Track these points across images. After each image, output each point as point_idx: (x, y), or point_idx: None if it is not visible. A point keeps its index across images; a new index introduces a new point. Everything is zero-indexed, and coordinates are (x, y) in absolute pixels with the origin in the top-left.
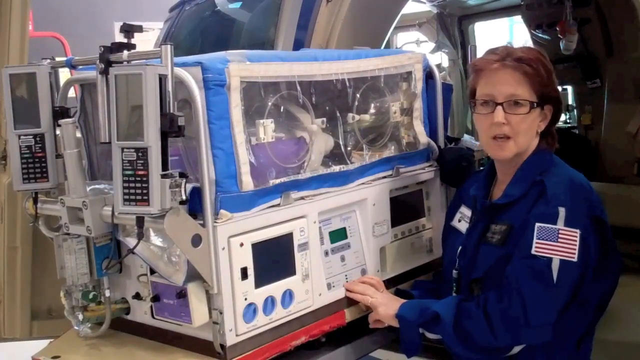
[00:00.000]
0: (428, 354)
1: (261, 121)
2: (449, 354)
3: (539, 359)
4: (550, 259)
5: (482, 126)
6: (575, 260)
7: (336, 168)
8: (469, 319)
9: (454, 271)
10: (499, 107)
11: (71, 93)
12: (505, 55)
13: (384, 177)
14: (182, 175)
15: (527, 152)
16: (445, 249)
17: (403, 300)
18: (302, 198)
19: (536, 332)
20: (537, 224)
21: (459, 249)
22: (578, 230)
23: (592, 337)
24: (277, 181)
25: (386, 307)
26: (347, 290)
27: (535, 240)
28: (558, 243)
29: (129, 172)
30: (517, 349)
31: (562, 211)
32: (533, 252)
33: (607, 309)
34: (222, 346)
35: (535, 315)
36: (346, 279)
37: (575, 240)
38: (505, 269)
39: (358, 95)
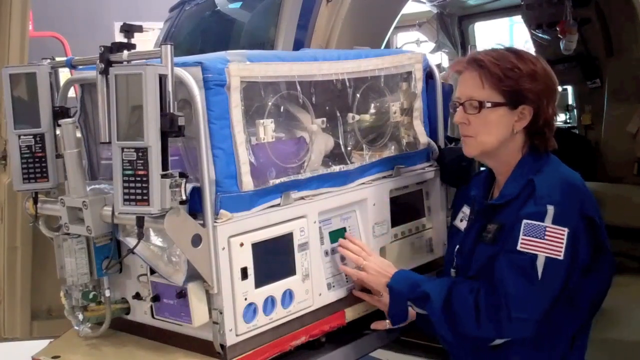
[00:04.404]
0: (428, 354)
1: (261, 121)
2: (448, 353)
3: (531, 357)
4: (535, 256)
5: None
6: (561, 258)
7: (336, 168)
8: (459, 302)
9: (452, 270)
10: (460, 108)
11: (71, 93)
12: (469, 58)
13: (384, 177)
14: (182, 175)
15: (509, 151)
16: (447, 248)
17: (395, 269)
18: (302, 198)
19: (517, 326)
20: (525, 221)
21: (457, 248)
22: (566, 229)
23: (586, 335)
24: (277, 181)
25: (378, 275)
26: (341, 247)
27: (521, 236)
28: (544, 240)
29: (129, 172)
30: (498, 341)
31: (550, 209)
32: (518, 247)
33: (606, 309)
34: (222, 346)
35: (517, 309)
36: (346, 279)
37: (562, 239)
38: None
39: (358, 95)
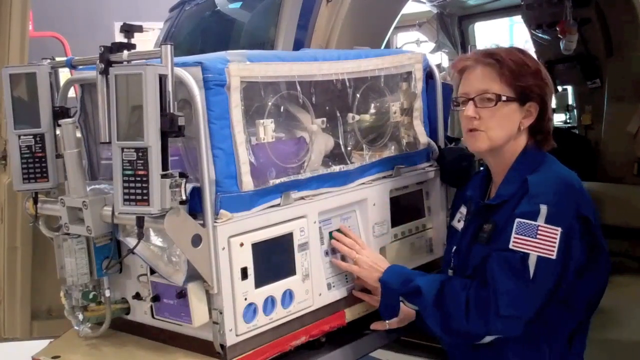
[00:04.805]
0: (428, 354)
1: (261, 121)
2: (446, 353)
3: (529, 357)
4: (527, 255)
5: (462, 122)
6: (553, 257)
7: (336, 168)
8: (451, 298)
9: (449, 270)
10: (470, 102)
11: (71, 93)
12: (478, 53)
13: (384, 177)
14: (182, 175)
15: (512, 149)
16: (445, 248)
17: (388, 263)
18: (302, 198)
19: (505, 323)
20: (517, 220)
21: (454, 248)
22: (559, 229)
23: (585, 335)
24: (277, 181)
25: (370, 269)
26: (335, 239)
27: (513, 234)
28: (536, 239)
29: (129, 172)
30: (488, 339)
31: (543, 208)
32: (510, 246)
33: (606, 309)
34: (222, 346)
35: (505, 306)
36: (346, 279)
37: (555, 238)
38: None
39: (358, 95)
